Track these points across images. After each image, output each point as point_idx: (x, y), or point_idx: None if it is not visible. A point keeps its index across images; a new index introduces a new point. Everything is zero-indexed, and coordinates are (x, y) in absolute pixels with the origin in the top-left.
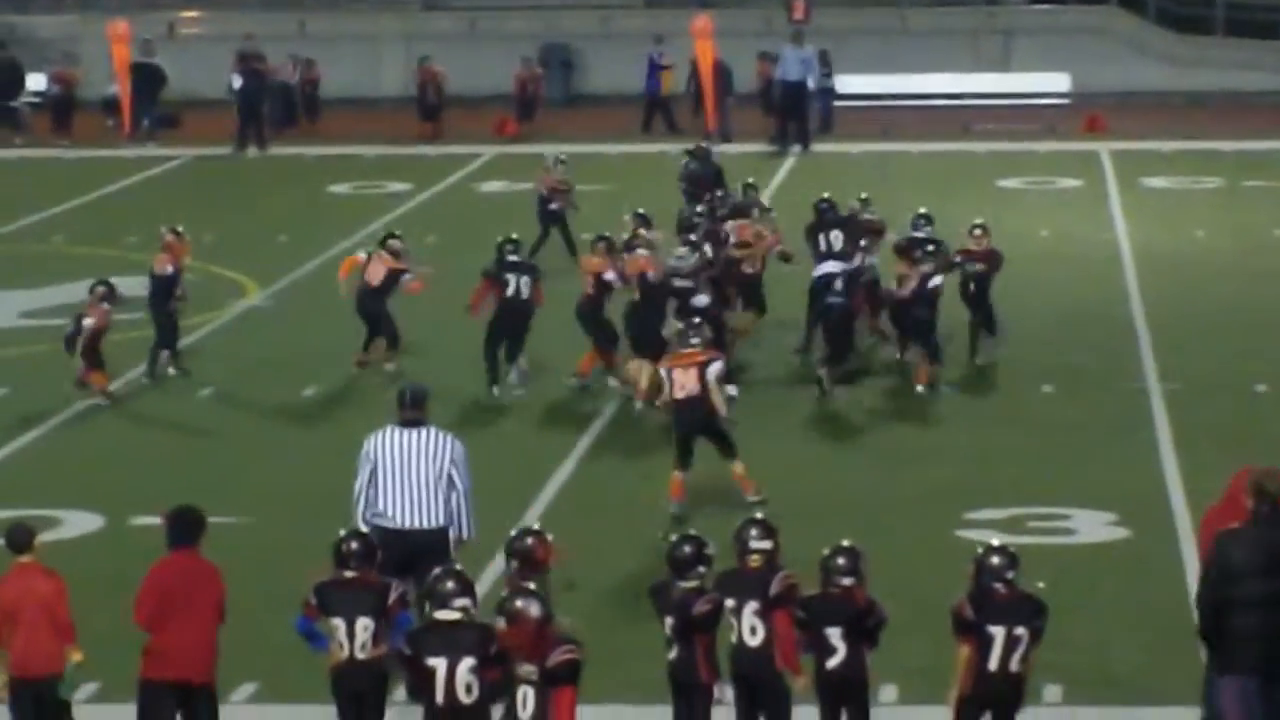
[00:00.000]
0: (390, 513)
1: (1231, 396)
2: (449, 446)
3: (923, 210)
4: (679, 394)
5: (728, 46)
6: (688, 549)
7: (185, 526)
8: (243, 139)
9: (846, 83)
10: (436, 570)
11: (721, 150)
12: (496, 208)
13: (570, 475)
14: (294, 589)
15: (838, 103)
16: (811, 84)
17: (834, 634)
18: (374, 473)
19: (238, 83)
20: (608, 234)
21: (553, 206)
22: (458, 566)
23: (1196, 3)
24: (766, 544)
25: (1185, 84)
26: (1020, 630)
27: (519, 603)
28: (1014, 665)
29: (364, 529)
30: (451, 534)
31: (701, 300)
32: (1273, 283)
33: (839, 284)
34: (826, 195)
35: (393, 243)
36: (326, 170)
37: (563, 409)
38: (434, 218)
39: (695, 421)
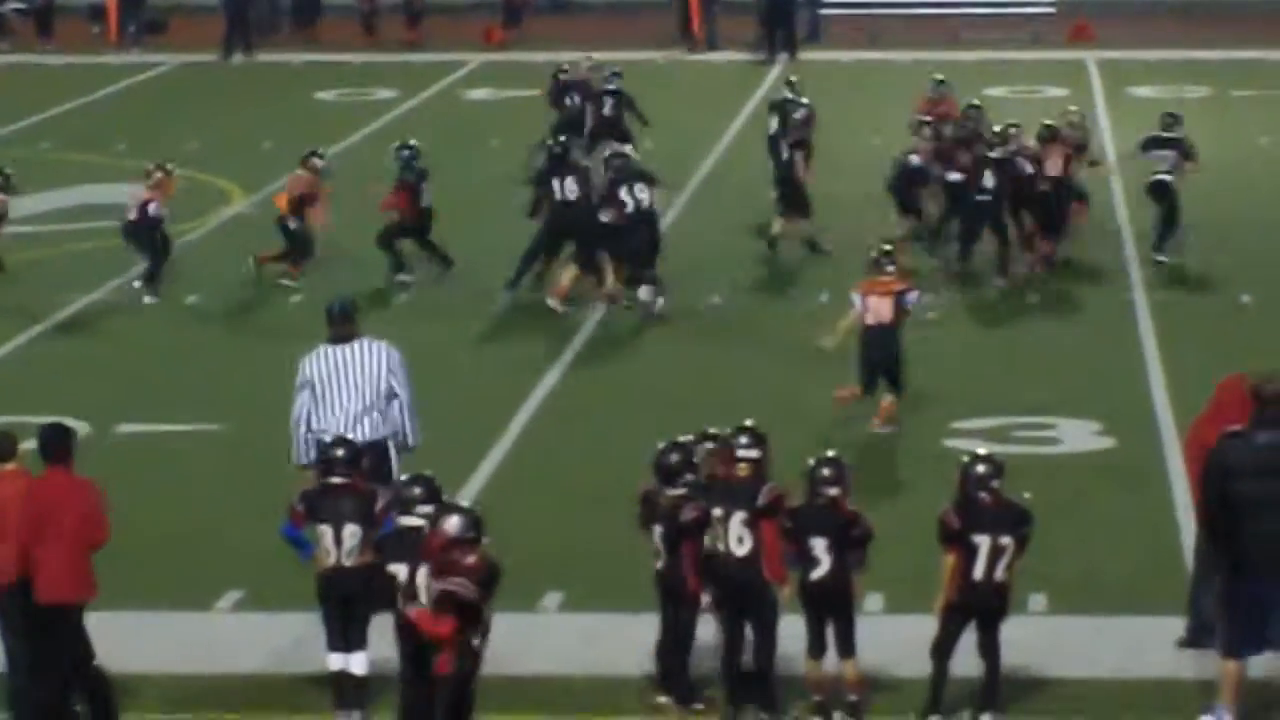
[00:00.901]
0: (333, 428)
1: (1217, 306)
2: (384, 356)
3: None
4: (870, 320)
5: None
6: (675, 457)
7: (50, 443)
8: (229, 45)
9: None
10: (405, 476)
11: (708, 58)
12: (483, 115)
13: (554, 384)
14: (278, 496)
15: (824, 11)
16: None
17: (819, 545)
18: (313, 392)
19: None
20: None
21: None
22: (427, 473)
23: None
24: (754, 453)
25: None
26: (1005, 539)
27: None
28: (999, 574)
29: (348, 435)
30: (395, 442)
31: None
32: (1259, 192)
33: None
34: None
35: (314, 161)
36: (313, 77)
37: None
38: (421, 125)
39: (885, 348)
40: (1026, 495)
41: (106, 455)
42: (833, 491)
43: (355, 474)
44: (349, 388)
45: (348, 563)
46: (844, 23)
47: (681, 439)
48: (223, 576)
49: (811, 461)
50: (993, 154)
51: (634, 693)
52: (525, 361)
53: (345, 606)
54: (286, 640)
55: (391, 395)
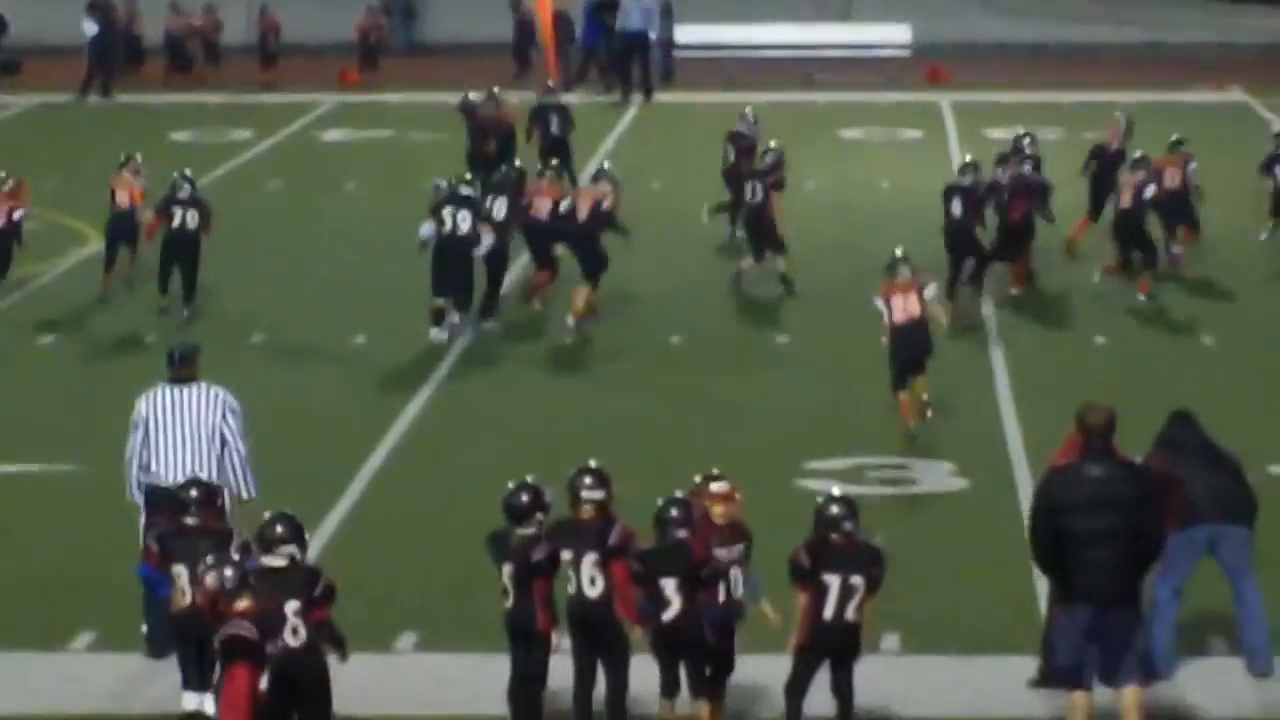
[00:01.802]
0: (158, 470)
1: (1071, 348)
2: (220, 403)
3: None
4: (900, 317)
5: None
6: (525, 497)
7: None
8: (87, 85)
9: (687, 32)
10: (268, 514)
11: (565, 100)
12: (338, 156)
13: (411, 422)
14: (131, 536)
15: (679, 53)
16: (653, 34)
17: (669, 585)
18: (145, 432)
19: (92, 30)
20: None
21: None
22: (288, 511)
23: None
24: (599, 494)
25: (1026, 36)
26: (856, 579)
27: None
28: (850, 614)
29: (203, 477)
30: (229, 494)
31: None
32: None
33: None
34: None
35: (134, 161)
36: (168, 118)
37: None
38: (276, 165)
39: (918, 342)
40: (876, 539)
41: None
42: (681, 533)
43: (210, 514)
44: (180, 432)
45: None
46: (697, 64)
47: (531, 479)
48: (76, 617)
49: (660, 502)
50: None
51: None
52: (382, 400)
53: (200, 646)
54: (140, 680)
55: (224, 443)
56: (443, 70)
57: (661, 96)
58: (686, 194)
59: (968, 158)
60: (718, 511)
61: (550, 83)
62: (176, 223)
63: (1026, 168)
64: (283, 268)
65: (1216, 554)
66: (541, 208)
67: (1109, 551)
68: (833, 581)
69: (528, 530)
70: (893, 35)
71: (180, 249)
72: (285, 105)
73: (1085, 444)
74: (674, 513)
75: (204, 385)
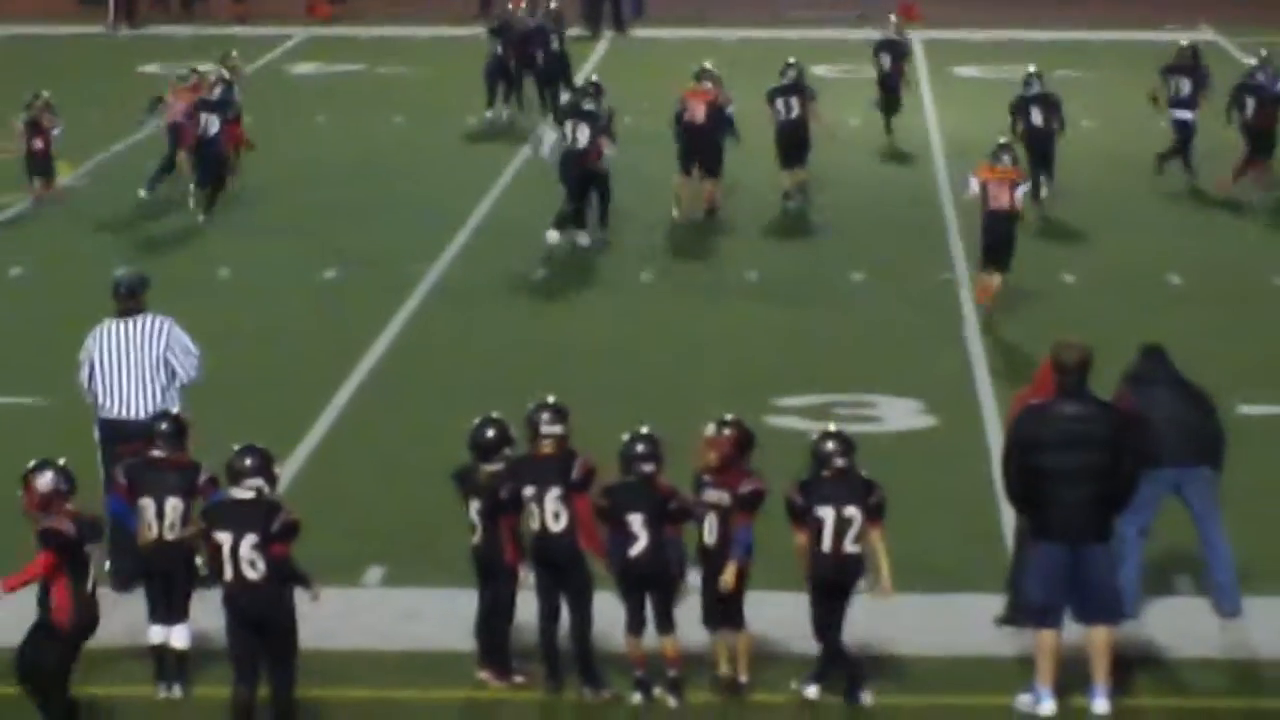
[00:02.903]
0: (105, 403)
1: (1038, 286)
2: (165, 334)
3: None
4: (993, 205)
5: None
6: (491, 432)
7: None
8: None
9: None
10: (237, 447)
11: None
12: (309, 89)
13: (379, 358)
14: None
15: None
16: None
17: (635, 521)
18: (93, 368)
19: None
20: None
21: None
22: (257, 444)
23: None
24: (557, 428)
25: None
26: (850, 510)
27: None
28: (848, 546)
29: (174, 410)
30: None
31: None
32: (1081, 172)
33: None
34: None
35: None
36: (137, 50)
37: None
38: (247, 100)
39: (1004, 230)
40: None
41: None
42: (647, 468)
43: (178, 448)
44: (127, 365)
45: (169, 536)
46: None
47: (495, 414)
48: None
49: (625, 438)
50: None
51: (456, 668)
52: (351, 334)
53: (167, 580)
54: (106, 612)
55: (172, 374)
56: (411, 4)
57: (633, 31)
58: (659, 130)
59: (1031, 68)
60: (709, 457)
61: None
62: (202, 128)
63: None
64: (250, 202)
65: (1182, 495)
66: (697, 111)
67: (1082, 490)
68: (827, 515)
69: (494, 466)
70: None
71: (203, 155)
72: (255, 39)
73: (1059, 382)
74: (639, 448)
75: (150, 316)
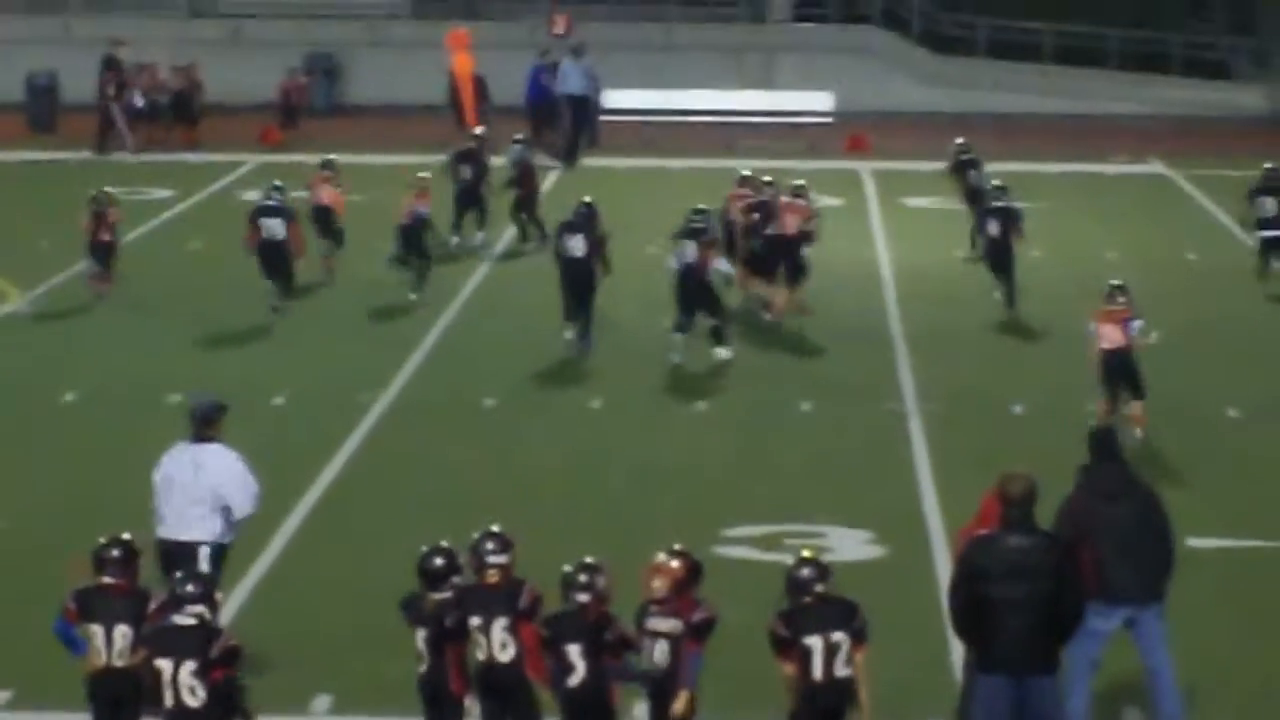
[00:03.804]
0: (158, 522)
1: (989, 416)
2: (225, 465)
3: None
4: (1106, 345)
5: (492, 58)
6: (438, 561)
7: None
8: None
9: (611, 97)
10: (179, 574)
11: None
12: None
13: (333, 477)
14: (50, 593)
15: (602, 117)
16: (592, 97)
17: (573, 651)
18: (159, 487)
19: (139, 100)
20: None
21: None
22: (200, 570)
23: (958, 23)
24: (503, 558)
25: (948, 104)
26: (838, 635)
27: None
28: (839, 670)
29: (125, 536)
30: (210, 548)
31: None
32: (1029, 302)
33: None
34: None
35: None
36: (87, 175)
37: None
38: (197, 224)
39: (1125, 364)
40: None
41: None
42: (583, 598)
43: (128, 575)
44: (181, 488)
45: (118, 663)
46: (621, 129)
47: (444, 543)
48: None
49: (567, 568)
50: None
51: None
52: (299, 460)
53: (115, 707)
54: None
55: (221, 504)
56: (363, 130)
57: (584, 160)
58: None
59: (995, 182)
60: (654, 584)
61: (474, 129)
62: (266, 233)
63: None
64: (201, 327)
65: (1133, 629)
66: (790, 224)
67: (1027, 620)
68: (815, 643)
69: (442, 594)
70: (815, 102)
71: (270, 256)
72: (208, 165)
73: (1005, 514)
74: (580, 578)
75: (217, 446)
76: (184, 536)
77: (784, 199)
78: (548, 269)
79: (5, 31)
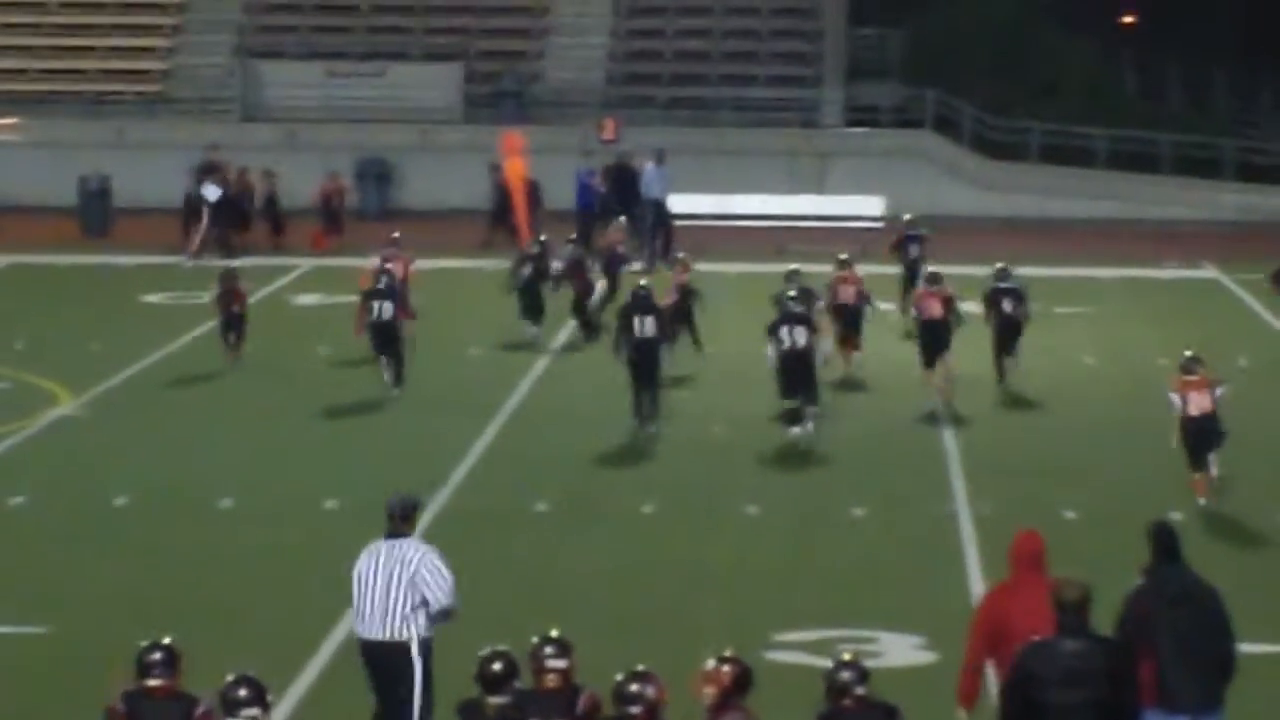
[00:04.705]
0: (357, 622)
1: (1041, 521)
2: (419, 559)
3: None
4: (1194, 411)
5: (542, 162)
6: (498, 665)
7: None
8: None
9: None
10: (230, 676)
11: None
12: (311, 319)
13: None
14: (95, 697)
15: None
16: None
17: None
18: (356, 586)
19: (214, 194)
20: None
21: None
22: (250, 673)
23: (1010, 129)
24: (562, 663)
25: (999, 209)
26: None
27: None
28: None
29: (166, 640)
30: (418, 647)
31: None
32: (1082, 408)
33: None
34: None
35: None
36: (139, 279)
37: None
38: (250, 329)
39: (1209, 433)
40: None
41: None
42: (635, 710)
43: (173, 676)
44: (378, 585)
45: None
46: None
47: (502, 647)
48: None
49: (619, 677)
50: None
51: None
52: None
53: None
54: None
55: (422, 600)
56: (413, 235)
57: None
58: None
59: (999, 265)
60: (705, 691)
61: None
62: (375, 314)
63: None
64: (254, 432)
65: None
66: (846, 295)
67: None
68: None
69: (500, 699)
70: (866, 206)
71: (383, 336)
72: (258, 269)
73: (1060, 619)
74: (631, 688)
75: (412, 542)
76: (387, 635)
77: (839, 273)
78: (599, 367)
79: (59, 135)
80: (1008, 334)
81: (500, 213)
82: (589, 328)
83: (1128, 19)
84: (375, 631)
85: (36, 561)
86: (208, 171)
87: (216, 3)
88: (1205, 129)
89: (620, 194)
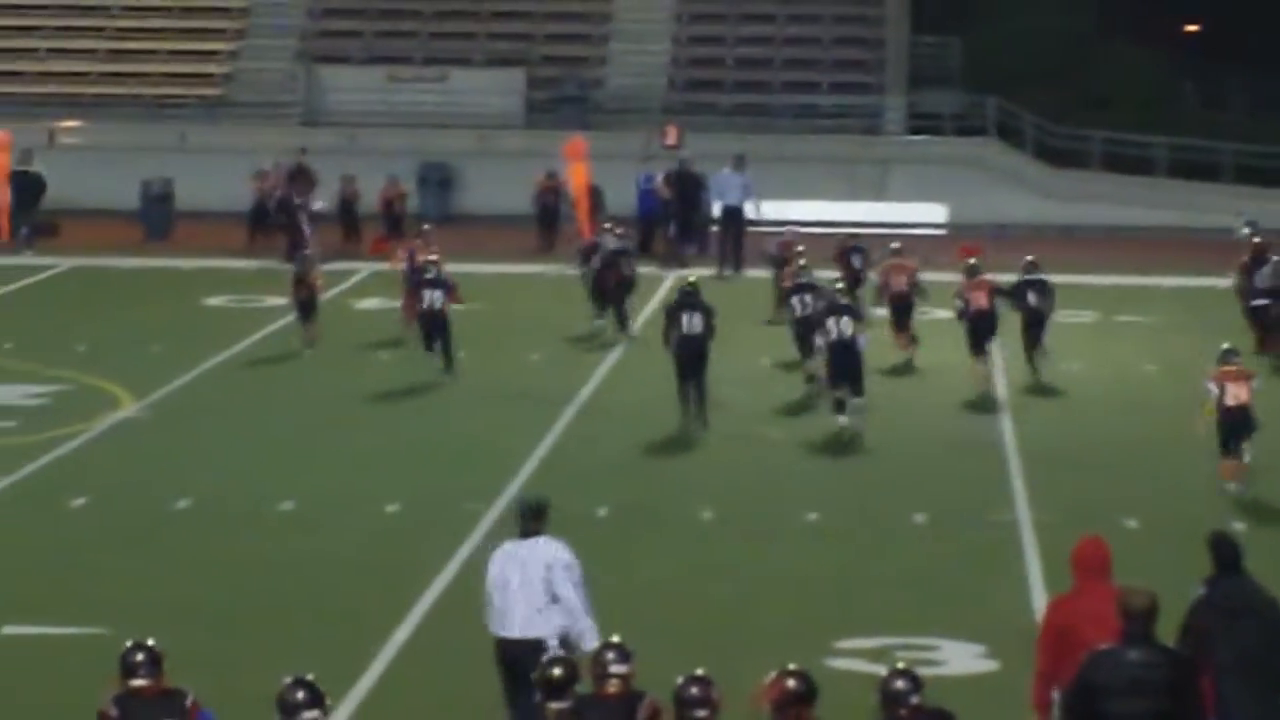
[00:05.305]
0: (499, 624)
1: (1102, 529)
2: (549, 555)
3: None
4: (1230, 402)
5: (604, 168)
6: (559, 670)
7: None
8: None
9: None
10: (287, 680)
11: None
12: (371, 324)
13: (444, 586)
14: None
15: (713, 227)
16: (750, 210)
17: None
18: (490, 586)
19: (318, 204)
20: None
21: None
22: (307, 676)
23: (1072, 137)
24: (624, 668)
25: (1060, 217)
26: None
27: None
28: None
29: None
30: (556, 641)
31: None
32: (1144, 416)
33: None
34: None
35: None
36: (201, 282)
37: None
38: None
39: (1244, 422)
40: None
41: None
42: (700, 713)
43: (158, 675)
44: (513, 584)
45: None
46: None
47: (563, 653)
48: None
49: (679, 680)
50: None
51: None
52: (413, 566)
53: None
54: None
55: (554, 598)
56: (473, 240)
57: (696, 268)
58: (725, 366)
59: (1029, 257)
60: (767, 705)
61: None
62: (426, 303)
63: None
64: (313, 435)
65: None
66: (899, 283)
67: None
68: None
69: (561, 704)
70: (928, 214)
71: (434, 323)
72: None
73: (1126, 628)
74: (693, 691)
75: (545, 539)
76: (527, 634)
77: (892, 261)
78: (658, 370)
79: (121, 139)
80: (1033, 324)
81: (547, 218)
82: (622, 320)
83: (1190, 28)
84: (514, 631)
85: (97, 563)
86: (297, 176)
87: (279, 7)
88: (1266, 138)
89: (682, 200)
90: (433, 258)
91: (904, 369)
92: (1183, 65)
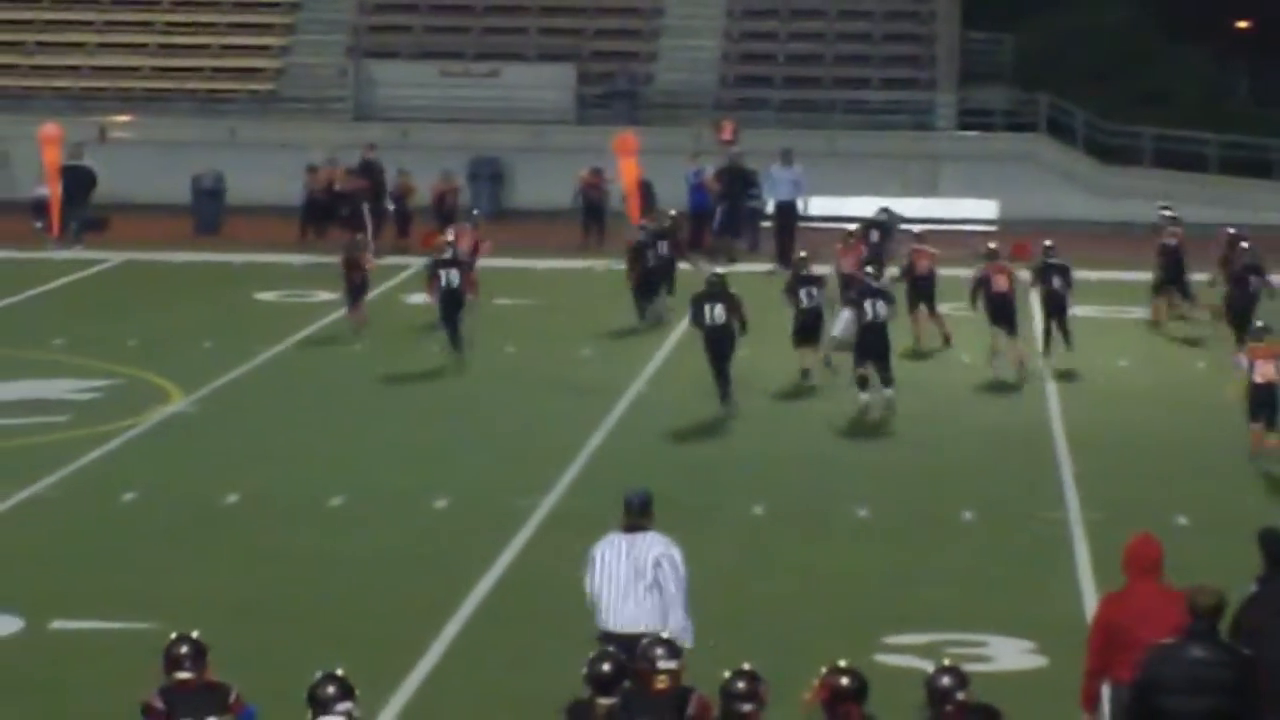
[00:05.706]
0: (604, 617)
1: (1152, 527)
2: (658, 551)
3: None
4: (1258, 378)
5: (655, 163)
6: (608, 666)
7: None
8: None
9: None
10: (317, 675)
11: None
12: (421, 318)
13: (488, 589)
14: None
15: (765, 224)
16: (801, 204)
17: None
18: (593, 578)
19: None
20: None
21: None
22: (335, 670)
23: (1124, 133)
24: (673, 664)
25: (1111, 214)
26: None
27: None
28: None
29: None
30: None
31: None
32: (1195, 414)
33: None
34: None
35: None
36: (252, 277)
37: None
38: (363, 330)
39: (1268, 401)
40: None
41: (38, 651)
42: (746, 708)
43: (202, 668)
44: (617, 578)
45: None
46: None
47: (611, 648)
48: None
49: (726, 674)
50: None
51: None
52: (461, 563)
53: None
54: None
55: (657, 590)
56: (524, 235)
57: (745, 265)
58: (768, 363)
59: (1047, 243)
60: (818, 700)
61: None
62: (444, 282)
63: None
64: (363, 431)
65: None
66: (923, 266)
67: None
68: None
69: (610, 700)
70: (979, 210)
71: (450, 302)
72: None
73: (1191, 625)
74: (739, 685)
75: (650, 534)
76: (633, 628)
77: (915, 245)
78: (708, 365)
79: (172, 133)
80: (1054, 307)
81: (593, 214)
82: (641, 310)
83: (1242, 24)
84: (620, 625)
85: (145, 558)
86: (365, 170)
87: (330, 2)
88: None
89: (732, 195)
90: (450, 238)
91: (946, 359)
92: (1235, 62)
